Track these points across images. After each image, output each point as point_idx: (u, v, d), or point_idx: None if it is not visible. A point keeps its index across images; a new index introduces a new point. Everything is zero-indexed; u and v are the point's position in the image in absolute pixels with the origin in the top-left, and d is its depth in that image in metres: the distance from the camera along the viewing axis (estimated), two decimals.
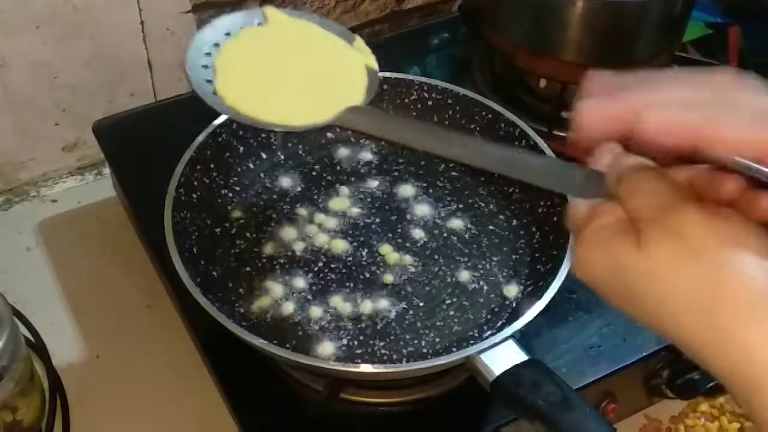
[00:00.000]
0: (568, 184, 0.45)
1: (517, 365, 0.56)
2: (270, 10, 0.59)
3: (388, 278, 0.68)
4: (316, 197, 0.74)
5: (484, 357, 0.57)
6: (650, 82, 0.41)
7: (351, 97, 0.54)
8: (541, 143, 0.71)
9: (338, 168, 0.76)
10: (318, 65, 0.57)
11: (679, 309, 0.37)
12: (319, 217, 0.72)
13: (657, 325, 0.39)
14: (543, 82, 0.84)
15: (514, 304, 0.67)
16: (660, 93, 0.41)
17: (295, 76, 0.56)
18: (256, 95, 0.55)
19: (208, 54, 0.56)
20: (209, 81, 0.55)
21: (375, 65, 0.57)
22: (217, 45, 0.56)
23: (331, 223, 0.72)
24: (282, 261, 0.69)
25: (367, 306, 0.66)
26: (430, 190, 0.75)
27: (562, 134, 0.82)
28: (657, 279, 0.38)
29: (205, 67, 0.55)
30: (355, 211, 0.73)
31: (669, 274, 0.37)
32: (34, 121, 0.83)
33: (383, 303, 0.66)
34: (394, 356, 0.63)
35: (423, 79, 0.76)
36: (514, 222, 0.72)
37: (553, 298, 0.60)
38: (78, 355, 0.72)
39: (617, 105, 0.41)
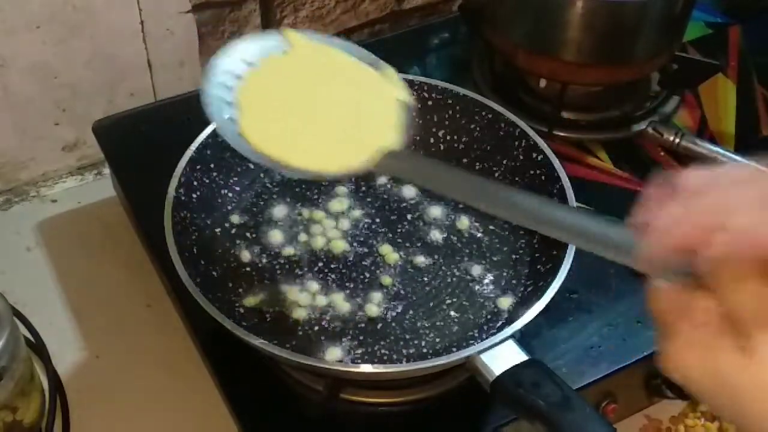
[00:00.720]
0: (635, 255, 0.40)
1: (517, 365, 0.56)
2: (291, 34, 0.55)
3: (388, 279, 0.68)
4: (316, 197, 0.74)
5: (484, 357, 0.57)
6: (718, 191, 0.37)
7: (386, 136, 0.50)
8: (541, 143, 0.71)
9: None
10: (349, 102, 0.53)
11: None
12: (320, 217, 0.72)
13: None
14: (543, 82, 0.84)
15: (514, 304, 0.67)
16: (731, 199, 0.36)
17: (326, 115, 0.52)
18: (285, 138, 0.50)
19: (229, 88, 0.52)
20: (232, 120, 0.50)
21: (408, 98, 0.53)
22: (239, 77, 0.52)
23: (332, 223, 0.72)
24: (282, 261, 0.69)
25: (367, 306, 0.66)
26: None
27: (561, 134, 0.82)
28: (764, 387, 0.35)
29: (228, 103, 0.51)
30: (356, 211, 0.73)
31: None
32: (34, 121, 0.83)
33: (383, 303, 0.66)
34: (394, 356, 0.63)
35: (423, 79, 0.76)
36: (514, 222, 0.72)
37: (553, 298, 0.60)
38: (78, 355, 0.72)
39: (692, 220, 0.36)
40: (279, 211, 0.73)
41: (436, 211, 0.73)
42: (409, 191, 0.74)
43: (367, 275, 0.68)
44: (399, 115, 0.52)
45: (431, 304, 0.67)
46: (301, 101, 0.52)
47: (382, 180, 0.75)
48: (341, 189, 0.74)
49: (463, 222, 0.72)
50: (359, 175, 0.47)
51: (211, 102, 0.51)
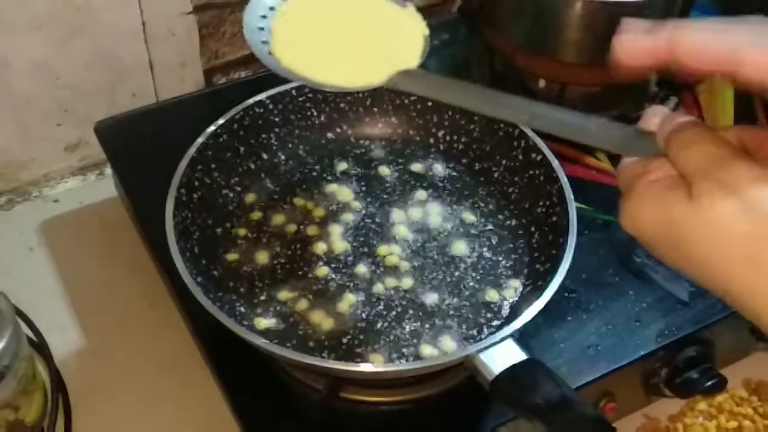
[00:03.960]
0: (617, 142, 0.45)
1: (516, 364, 0.56)
2: None
3: (388, 278, 0.68)
4: (316, 197, 0.74)
5: (483, 356, 0.57)
6: (687, 22, 0.42)
7: (405, 60, 0.55)
8: (540, 143, 0.71)
9: (339, 168, 0.77)
10: (373, 28, 0.58)
11: (732, 260, 0.38)
12: (320, 216, 0.72)
13: (707, 278, 0.39)
14: (542, 83, 0.84)
15: (513, 304, 0.67)
16: (695, 23, 0.42)
17: (351, 38, 0.57)
18: (311, 56, 0.55)
19: (264, 17, 0.57)
20: (265, 42, 0.55)
21: (426, 31, 0.58)
22: (272, 8, 0.57)
23: (332, 222, 0.72)
24: (283, 261, 0.69)
25: (367, 305, 0.66)
26: (430, 190, 0.75)
27: None
28: (709, 230, 0.38)
29: (261, 29, 0.56)
30: (356, 211, 0.73)
31: (721, 226, 0.38)
32: (36, 121, 0.84)
33: (383, 303, 0.67)
34: (394, 355, 0.64)
35: None
36: (513, 222, 0.72)
37: (552, 298, 0.60)
38: (80, 354, 0.73)
39: (654, 35, 0.41)
40: (280, 211, 0.73)
41: (435, 209, 0.73)
42: (409, 191, 0.75)
43: (368, 275, 0.68)
44: (416, 43, 0.57)
45: (431, 303, 0.67)
46: (328, 26, 0.57)
47: (382, 180, 0.75)
48: (342, 189, 0.75)
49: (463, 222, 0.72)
50: (377, 88, 0.53)
51: (247, 28, 0.56)
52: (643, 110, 0.85)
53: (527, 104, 0.49)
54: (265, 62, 0.55)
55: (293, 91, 0.75)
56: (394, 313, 0.66)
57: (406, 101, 0.77)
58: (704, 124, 0.42)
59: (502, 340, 0.58)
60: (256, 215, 0.73)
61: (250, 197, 0.74)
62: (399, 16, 0.59)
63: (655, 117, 0.44)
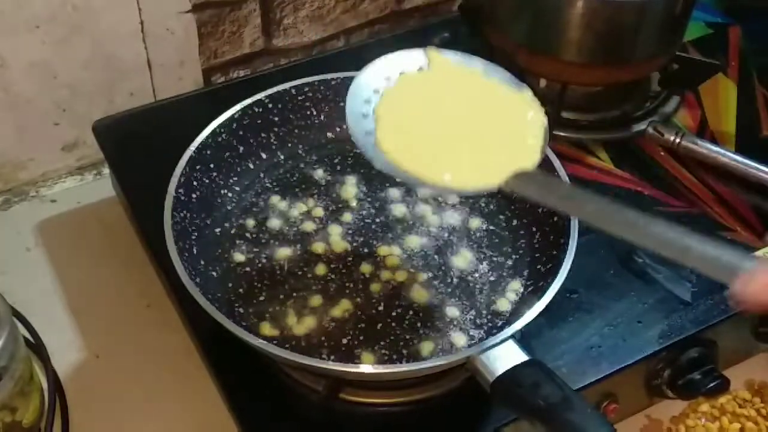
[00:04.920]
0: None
1: (517, 365, 0.56)
2: (433, 52, 0.56)
3: (388, 278, 0.68)
4: (316, 197, 0.74)
5: (484, 357, 0.57)
6: None
7: (522, 158, 0.50)
8: None
9: (339, 168, 0.76)
10: (484, 120, 0.53)
11: None
12: (320, 216, 0.72)
13: None
14: (543, 82, 0.84)
15: (514, 304, 0.67)
16: None
17: (461, 132, 0.52)
18: (420, 151, 0.51)
19: (368, 101, 0.52)
20: (369, 133, 0.51)
21: (545, 120, 0.53)
22: (377, 91, 0.52)
23: (332, 223, 0.72)
24: (282, 261, 0.69)
25: (367, 306, 0.66)
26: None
27: (562, 134, 0.82)
28: None
29: (365, 116, 0.52)
30: (356, 211, 0.73)
31: None
32: (34, 120, 0.83)
33: (383, 303, 0.66)
34: (394, 356, 0.63)
35: None
36: (515, 222, 0.72)
37: (553, 298, 0.60)
38: (77, 355, 0.72)
39: None
40: (279, 211, 0.73)
41: (436, 210, 0.73)
42: (413, 191, 0.74)
43: (368, 275, 0.68)
44: (534, 136, 0.52)
45: (432, 304, 0.66)
46: (435, 117, 0.52)
47: (382, 180, 0.75)
48: (342, 189, 0.74)
49: (464, 223, 0.72)
50: (492, 192, 0.48)
51: (351, 116, 0.51)
52: (643, 109, 0.86)
53: (658, 229, 0.46)
54: (368, 155, 0.50)
55: (292, 90, 0.75)
56: (394, 313, 0.66)
57: None
58: None
59: (503, 341, 0.57)
60: (255, 215, 0.72)
61: (249, 197, 0.73)
62: (515, 103, 0.54)
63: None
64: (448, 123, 0.52)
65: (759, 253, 0.73)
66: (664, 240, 0.45)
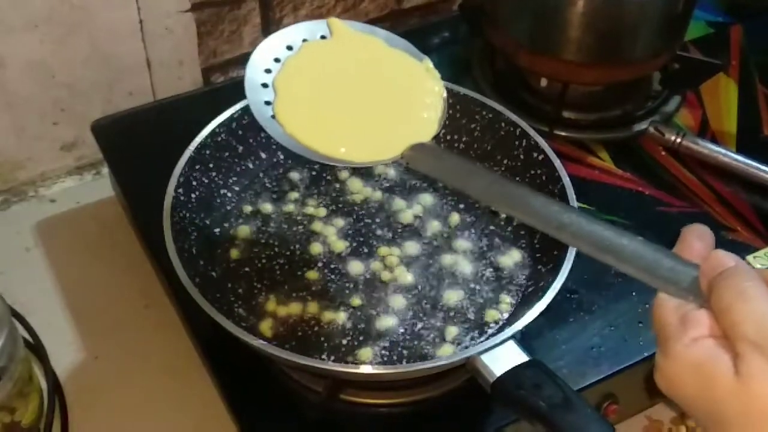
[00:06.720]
0: (649, 264, 0.41)
1: (517, 366, 0.56)
2: (334, 22, 0.55)
3: (388, 279, 0.68)
4: (315, 197, 0.74)
5: (484, 358, 0.57)
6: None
7: (420, 130, 0.49)
8: (542, 143, 0.70)
9: (338, 168, 0.76)
10: (383, 91, 0.52)
11: None
12: (319, 217, 0.72)
13: None
14: (544, 81, 0.84)
15: (514, 305, 0.66)
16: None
17: (359, 103, 0.51)
18: (318, 124, 0.50)
19: (268, 71, 0.52)
20: (268, 103, 0.50)
21: (444, 92, 0.52)
22: (277, 60, 0.52)
23: (331, 223, 0.72)
24: (282, 261, 0.69)
25: (367, 306, 0.66)
26: (432, 190, 0.74)
27: (562, 134, 0.82)
28: (755, 418, 0.35)
29: (265, 85, 0.51)
30: (356, 211, 0.73)
31: None
32: (32, 120, 0.83)
33: (383, 303, 0.66)
34: (394, 357, 0.63)
35: None
36: (515, 222, 0.72)
37: (553, 299, 0.60)
38: (76, 356, 0.72)
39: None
40: (278, 211, 0.72)
41: (437, 209, 0.73)
42: (413, 191, 0.74)
43: (368, 276, 0.68)
44: (433, 108, 0.51)
45: (431, 305, 0.66)
46: (335, 88, 0.52)
47: (383, 177, 0.75)
48: (342, 189, 0.74)
49: (464, 223, 0.72)
50: (387, 164, 0.47)
51: (249, 86, 0.50)
52: (644, 109, 0.86)
53: (557, 213, 0.44)
54: (265, 126, 0.49)
55: None
56: (394, 314, 0.66)
57: None
58: (753, 270, 0.37)
59: (503, 341, 0.57)
60: (255, 215, 0.72)
61: (248, 197, 0.73)
62: (416, 74, 0.53)
63: (696, 242, 0.40)
64: (347, 94, 0.51)
65: (759, 253, 0.73)
66: (558, 222, 0.43)
